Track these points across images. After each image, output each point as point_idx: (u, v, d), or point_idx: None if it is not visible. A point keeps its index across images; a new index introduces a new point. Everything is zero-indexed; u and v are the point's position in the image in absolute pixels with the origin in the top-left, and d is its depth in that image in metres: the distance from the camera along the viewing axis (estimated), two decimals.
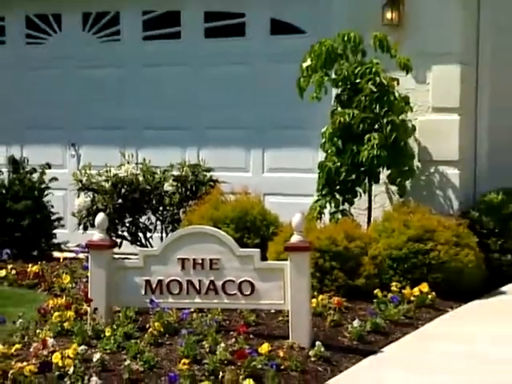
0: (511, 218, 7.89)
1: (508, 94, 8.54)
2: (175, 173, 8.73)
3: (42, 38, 10.30)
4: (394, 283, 6.94)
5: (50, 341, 5.48)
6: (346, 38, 7.81)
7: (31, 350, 5.40)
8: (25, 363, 5.10)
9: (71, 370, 5.08)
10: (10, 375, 5.01)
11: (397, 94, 7.81)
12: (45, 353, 5.29)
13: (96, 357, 5.29)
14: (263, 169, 9.29)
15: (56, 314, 6.12)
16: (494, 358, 5.57)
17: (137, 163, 8.98)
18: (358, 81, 7.73)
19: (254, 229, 7.72)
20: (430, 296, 6.86)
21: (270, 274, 5.83)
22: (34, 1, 10.11)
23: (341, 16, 8.36)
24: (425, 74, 8.16)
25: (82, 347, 5.39)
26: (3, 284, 7.80)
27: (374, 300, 6.65)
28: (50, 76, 10.09)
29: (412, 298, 6.79)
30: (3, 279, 7.86)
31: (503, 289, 7.55)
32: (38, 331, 5.89)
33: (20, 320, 6.07)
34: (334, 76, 7.87)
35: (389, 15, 8.18)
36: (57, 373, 5.07)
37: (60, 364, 5.11)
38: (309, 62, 7.83)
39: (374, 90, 7.65)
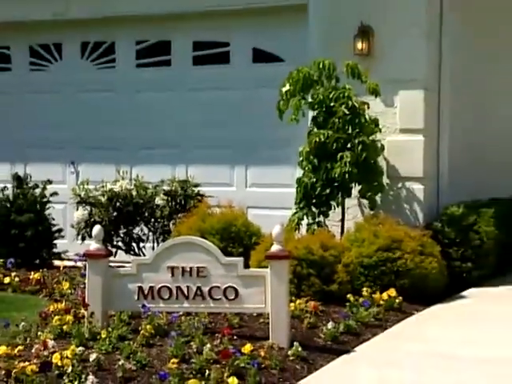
0: (471, 228, 7.91)
1: (465, 117, 8.60)
2: (166, 188, 8.73)
3: (44, 66, 10.26)
4: (364, 288, 6.93)
5: (51, 342, 5.43)
6: (321, 66, 7.83)
7: (33, 350, 5.34)
8: (27, 363, 5.05)
9: (69, 369, 5.03)
10: (13, 374, 4.97)
11: (367, 117, 7.85)
12: (45, 353, 5.24)
13: (92, 357, 5.24)
14: (246, 184, 9.28)
15: (56, 317, 6.08)
16: (455, 357, 5.56)
17: (131, 179, 8.98)
18: (332, 104, 7.75)
19: (238, 239, 7.71)
20: (397, 300, 6.86)
21: (252, 281, 5.82)
22: (37, 32, 10.08)
23: (316, 46, 8.39)
24: (392, 98, 8.19)
25: (80, 348, 5.35)
26: (7, 290, 7.73)
27: (347, 304, 6.64)
28: (51, 100, 10.05)
29: (381, 302, 6.79)
30: (7, 286, 7.79)
31: (463, 293, 7.57)
32: (39, 333, 5.84)
33: (23, 323, 6.02)
34: (310, 100, 7.90)
35: (359, 45, 8.22)
36: (56, 372, 5.02)
37: (59, 364, 5.06)
38: (287, 87, 7.85)
39: (347, 112, 7.67)
